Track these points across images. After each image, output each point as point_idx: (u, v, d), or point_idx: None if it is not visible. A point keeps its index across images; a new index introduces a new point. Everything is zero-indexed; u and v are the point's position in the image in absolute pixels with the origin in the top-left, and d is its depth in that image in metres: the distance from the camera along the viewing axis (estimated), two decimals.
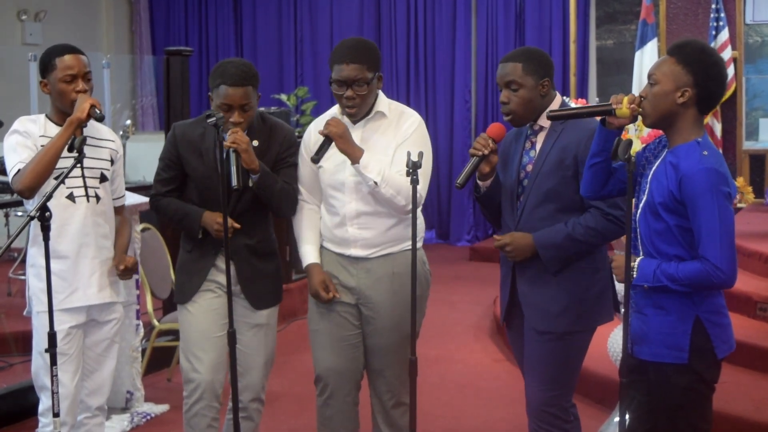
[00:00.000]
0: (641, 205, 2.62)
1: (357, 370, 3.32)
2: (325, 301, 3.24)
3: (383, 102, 3.23)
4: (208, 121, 2.99)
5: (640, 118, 2.63)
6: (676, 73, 2.54)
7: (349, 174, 3.16)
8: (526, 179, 3.01)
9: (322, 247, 3.34)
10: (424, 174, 3.14)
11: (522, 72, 2.95)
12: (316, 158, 3.10)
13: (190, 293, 3.30)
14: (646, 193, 2.61)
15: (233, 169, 3.01)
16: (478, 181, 3.07)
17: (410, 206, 3.10)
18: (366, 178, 3.09)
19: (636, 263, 2.58)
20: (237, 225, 3.17)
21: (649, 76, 2.59)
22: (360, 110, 3.15)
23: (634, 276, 2.57)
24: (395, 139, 3.17)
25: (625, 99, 2.58)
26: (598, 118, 2.68)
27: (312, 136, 3.29)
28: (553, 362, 2.99)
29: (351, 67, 3.07)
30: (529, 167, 3.01)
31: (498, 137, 2.97)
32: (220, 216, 3.15)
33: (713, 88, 2.55)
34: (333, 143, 3.09)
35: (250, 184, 3.16)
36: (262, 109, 3.32)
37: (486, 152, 2.93)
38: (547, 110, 2.84)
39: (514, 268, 3.07)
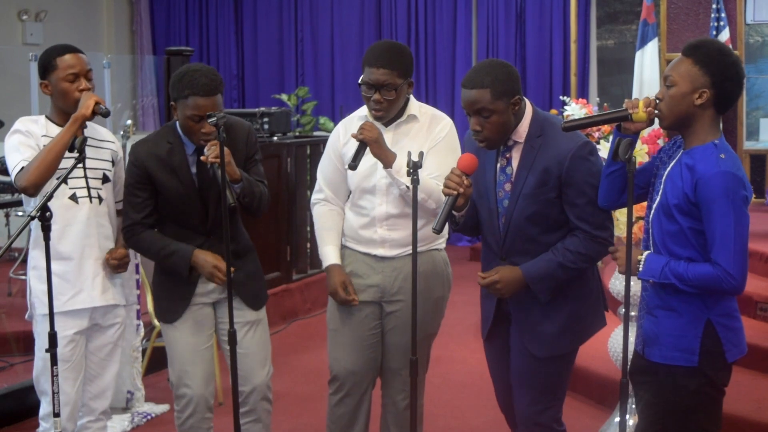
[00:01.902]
0: (654, 205, 2.59)
1: (374, 369, 3.34)
2: (342, 301, 3.24)
3: (414, 105, 3.24)
4: (209, 121, 2.94)
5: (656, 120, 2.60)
6: (693, 75, 2.49)
7: (380, 177, 3.17)
8: (505, 200, 2.88)
9: (344, 247, 3.34)
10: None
11: (491, 98, 2.73)
12: (354, 165, 3.07)
13: (176, 313, 3.25)
14: (659, 194, 2.57)
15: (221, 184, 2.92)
16: (453, 212, 2.90)
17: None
18: (398, 182, 3.10)
19: (643, 256, 2.55)
20: (233, 269, 3.06)
21: (665, 77, 2.54)
22: (387, 114, 3.15)
23: (640, 269, 2.55)
24: (427, 143, 3.16)
25: (641, 102, 2.53)
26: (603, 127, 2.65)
27: (341, 137, 3.29)
28: (547, 380, 2.96)
29: (381, 71, 3.07)
30: (507, 186, 2.88)
31: (471, 170, 2.76)
32: (216, 259, 3.11)
33: (731, 88, 2.51)
34: (367, 147, 3.08)
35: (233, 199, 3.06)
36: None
37: (461, 190, 2.73)
38: (562, 123, 2.67)
39: None
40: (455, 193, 2.73)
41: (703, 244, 2.49)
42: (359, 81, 3.15)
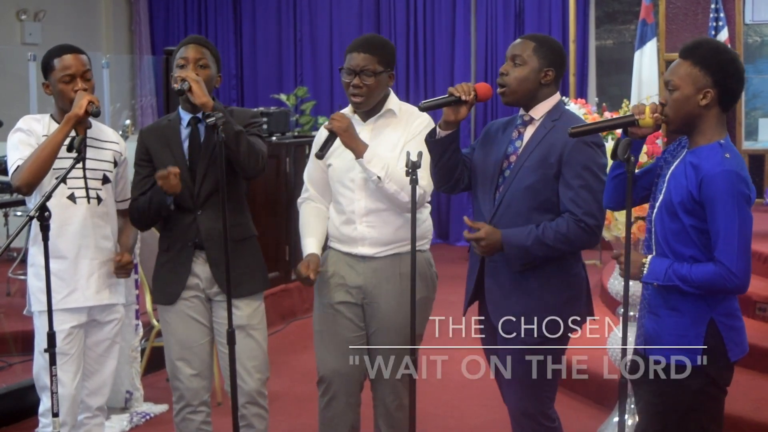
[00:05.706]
0: (657, 204, 2.60)
1: (361, 371, 3.30)
2: (304, 278, 3.18)
3: (394, 101, 3.28)
4: (207, 121, 2.95)
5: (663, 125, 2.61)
6: (694, 76, 2.51)
7: (359, 171, 3.17)
8: (507, 170, 2.95)
9: (329, 247, 3.35)
10: (428, 168, 3.13)
11: (531, 51, 2.92)
12: (321, 154, 3.11)
13: (174, 294, 3.25)
14: (663, 192, 2.58)
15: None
16: (437, 127, 2.97)
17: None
18: (369, 173, 3.10)
19: (647, 260, 2.56)
20: (175, 169, 3.05)
21: (667, 82, 2.56)
22: (366, 101, 3.17)
23: (644, 273, 2.56)
24: (404, 136, 3.18)
25: (647, 108, 2.55)
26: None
27: (322, 133, 3.29)
28: (525, 371, 2.93)
29: (361, 56, 3.12)
30: (513, 158, 2.95)
31: (482, 94, 2.89)
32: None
33: (733, 85, 2.53)
34: (338, 138, 3.10)
35: (210, 120, 2.93)
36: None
37: (462, 97, 2.85)
38: (569, 129, 2.69)
39: (484, 259, 3.01)
40: (456, 95, 2.86)
41: (705, 243, 2.49)
42: (340, 69, 3.19)
